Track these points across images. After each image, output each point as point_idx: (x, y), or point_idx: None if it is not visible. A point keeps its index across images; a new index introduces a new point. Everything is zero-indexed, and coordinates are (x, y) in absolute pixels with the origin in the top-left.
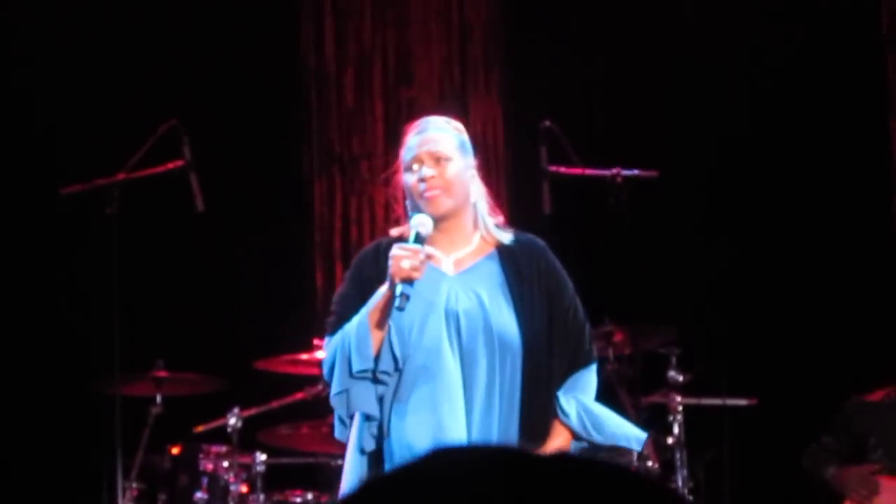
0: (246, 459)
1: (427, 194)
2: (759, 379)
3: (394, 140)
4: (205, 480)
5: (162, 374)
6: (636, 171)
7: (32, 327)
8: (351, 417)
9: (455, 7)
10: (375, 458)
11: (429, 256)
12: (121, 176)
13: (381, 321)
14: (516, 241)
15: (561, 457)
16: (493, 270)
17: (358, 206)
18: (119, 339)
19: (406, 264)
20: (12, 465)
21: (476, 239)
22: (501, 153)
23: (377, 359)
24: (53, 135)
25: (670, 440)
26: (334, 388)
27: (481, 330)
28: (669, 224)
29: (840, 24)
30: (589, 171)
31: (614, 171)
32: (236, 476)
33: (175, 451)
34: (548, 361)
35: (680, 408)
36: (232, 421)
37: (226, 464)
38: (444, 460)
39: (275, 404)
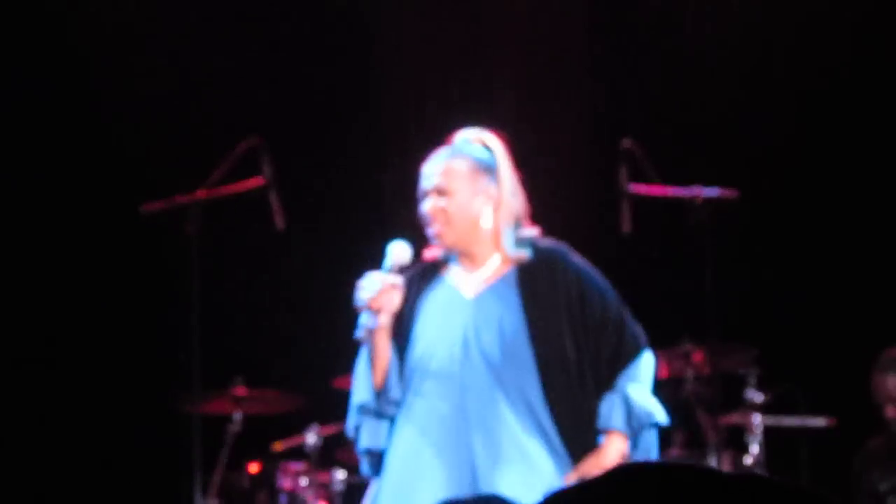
0: (325, 478)
1: (432, 231)
2: (838, 399)
3: None
4: (283, 499)
5: (241, 392)
6: (716, 191)
7: (113, 345)
8: (366, 452)
9: (536, 26)
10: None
11: (394, 285)
12: (201, 194)
13: (374, 355)
14: (536, 254)
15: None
16: (510, 292)
17: None
18: (199, 357)
19: (364, 295)
20: (93, 483)
21: (494, 259)
22: (581, 171)
23: (379, 393)
24: (134, 152)
25: (749, 460)
26: (349, 423)
27: (497, 356)
28: (749, 244)
29: None
30: (669, 191)
31: (694, 190)
32: (315, 494)
33: (254, 469)
34: (577, 375)
35: (759, 428)
36: (311, 439)
37: (304, 482)
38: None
39: None
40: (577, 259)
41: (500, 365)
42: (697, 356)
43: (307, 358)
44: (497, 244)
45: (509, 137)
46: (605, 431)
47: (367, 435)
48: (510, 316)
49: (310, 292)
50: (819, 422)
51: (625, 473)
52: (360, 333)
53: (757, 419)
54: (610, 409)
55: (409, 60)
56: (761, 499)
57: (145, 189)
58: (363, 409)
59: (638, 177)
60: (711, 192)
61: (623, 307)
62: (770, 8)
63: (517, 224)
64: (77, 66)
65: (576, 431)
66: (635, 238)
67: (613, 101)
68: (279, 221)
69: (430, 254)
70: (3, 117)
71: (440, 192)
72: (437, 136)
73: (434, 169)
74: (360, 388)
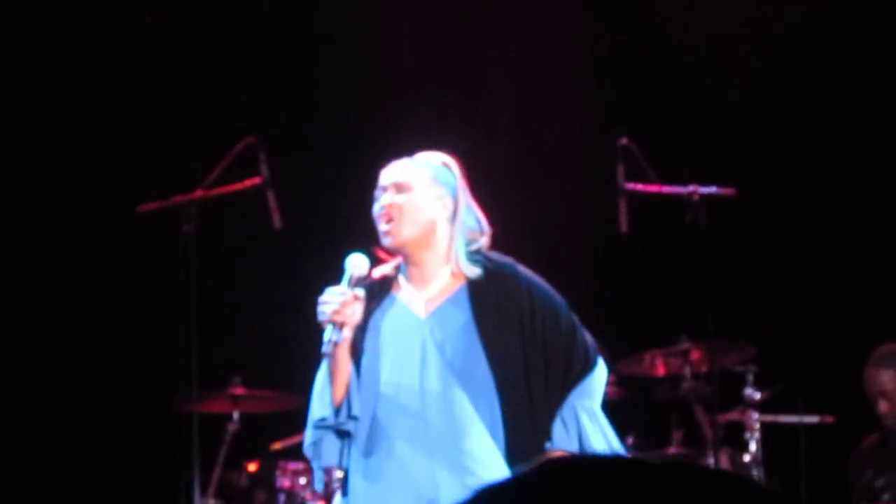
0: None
1: (383, 228)
2: (836, 396)
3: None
4: (282, 497)
5: (239, 391)
6: (713, 189)
7: (111, 344)
8: (322, 469)
9: (533, 26)
10: None
11: (356, 297)
12: (198, 193)
13: (334, 369)
14: (485, 271)
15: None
16: (462, 310)
17: None
18: (197, 356)
19: (327, 309)
20: (92, 481)
21: (445, 274)
22: (579, 170)
23: (339, 408)
24: (131, 152)
25: (747, 458)
26: (306, 439)
27: (454, 376)
28: (746, 241)
29: None
30: (666, 189)
31: (691, 188)
32: (313, 493)
33: (252, 468)
34: (528, 394)
35: (757, 425)
36: None
37: (303, 481)
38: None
39: None
40: (527, 272)
41: (458, 382)
42: (695, 354)
43: (305, 357)
44: (448, 258)
45: (506, 137)
46: (554, 450)
47: (326, 452)
48: (465, 334)
49: (307, 291)
50: (817, 419)
51: (552, 467)
52: (326, 349)
53: (755, 417)
54: (561, 430)
55: (408, 59)
56: (684, 487)
57: (142, 188)
58: (323, 425)
59: (635, 175)
60: (708, 189)
61: (574, 319)
62: (768, 8)
63: (469, 242)
64: (76, 66)
65: (525, 447)
66: (633, 236)
67: (610, 100)
68: (276, 220)
69: (379, 271)
70: (1, 117)
71: (398, 188)
72: (435, 134)
73: (393, 170)
74: (321, 404)
